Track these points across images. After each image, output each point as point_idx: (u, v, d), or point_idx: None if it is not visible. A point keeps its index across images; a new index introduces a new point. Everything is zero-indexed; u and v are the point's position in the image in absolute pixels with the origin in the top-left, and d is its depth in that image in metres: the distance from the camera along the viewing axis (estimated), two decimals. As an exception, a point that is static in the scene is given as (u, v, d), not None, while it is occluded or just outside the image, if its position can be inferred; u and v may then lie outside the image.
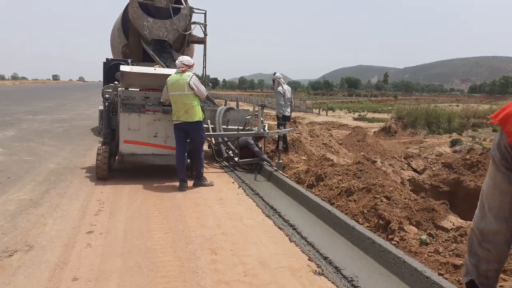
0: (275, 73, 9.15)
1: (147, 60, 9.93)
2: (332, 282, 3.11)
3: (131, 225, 4.18)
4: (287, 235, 4.07)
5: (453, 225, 3.86)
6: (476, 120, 27.42)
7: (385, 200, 4.36)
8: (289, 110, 9.01)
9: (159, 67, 7.29)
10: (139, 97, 6.18)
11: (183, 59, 5.85)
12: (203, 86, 5.95)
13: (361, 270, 3.29)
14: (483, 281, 1.31)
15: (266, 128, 7.13)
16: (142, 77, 6.19)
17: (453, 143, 16.75)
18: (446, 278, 2.95)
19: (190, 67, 5.81)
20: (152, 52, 9.54)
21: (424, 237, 3.62)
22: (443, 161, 7.91)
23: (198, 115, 5.72)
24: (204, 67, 11.56)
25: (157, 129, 6.07)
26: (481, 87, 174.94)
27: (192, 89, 5.61)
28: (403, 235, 3.71)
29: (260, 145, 7.47)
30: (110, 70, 7.89)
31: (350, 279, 3.12)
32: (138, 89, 6.29)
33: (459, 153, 13.41)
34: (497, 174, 1.22)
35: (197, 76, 5.94)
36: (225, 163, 7.67)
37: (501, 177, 1.21)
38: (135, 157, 6.04)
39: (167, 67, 8.78)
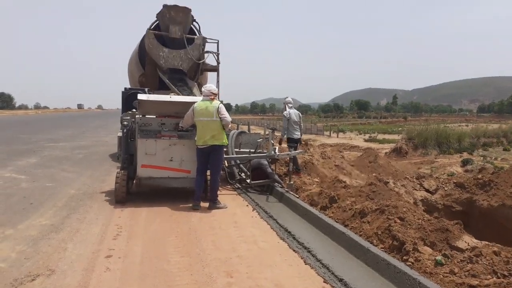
0: (286, 97, 9.38)
1: (163, 88, 10.16)
2: (348, 304, 3.13)
3: (149, 248, 4.25)
4: (302, 258, 4.09)
5: (468, 245, 3.86)
6: (486, 139, 27.17)
7: (398, 221, 4.36)
8: (297, 133, 9.17)
9: (174, 94, 7.53)
10: (156, 124, 6.42)
11: (210, 87, 6.21)
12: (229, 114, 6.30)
13: (377, 291, 3.29)
14: None
15: (276, 151, 7.26)
16: (158, 104, 6.47)
17: (464, 163, 16.58)
18: (462, 299, 2.96)
19: (216, 95, 6.26)
20: (167, 81, 9.78)
21: (439, 257, 3.60)
22: (455, 181, 7.85)
23: (224, 140, 6.13)
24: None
25: (172, 154, 6.27)
26: (489, 107, 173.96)
27: (220, 116, 5.96)
28: (418, 256, 3.70)
29: (272, 167, 7.57)
30: (129, 98, 8.17)
31: (366, 300, 3.14)
32: (154, 116, 6.54)
33: (471, 172, 13.27)
34: None
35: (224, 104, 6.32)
36: (238, 185, 7.78)
37: None
38: (152, 180, 6.24)
39: (182, 94, 9.02)
